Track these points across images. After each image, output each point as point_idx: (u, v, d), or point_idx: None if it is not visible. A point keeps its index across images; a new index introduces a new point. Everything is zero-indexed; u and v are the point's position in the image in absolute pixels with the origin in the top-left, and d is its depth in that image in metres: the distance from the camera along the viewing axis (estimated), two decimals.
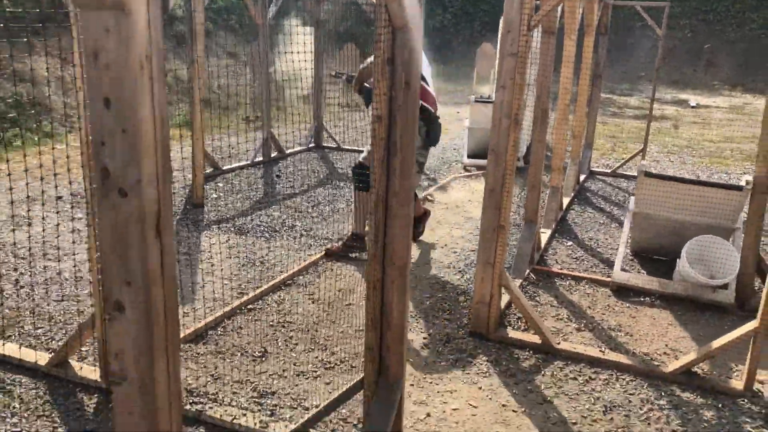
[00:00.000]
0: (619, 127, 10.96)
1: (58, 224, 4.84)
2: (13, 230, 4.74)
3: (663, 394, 3.13)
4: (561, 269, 4.61)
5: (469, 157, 7.62)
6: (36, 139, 7.80)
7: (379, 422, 2.36)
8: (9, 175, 4.06)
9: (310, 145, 8.35)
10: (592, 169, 7.65)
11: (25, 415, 2.78)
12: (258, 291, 3.98)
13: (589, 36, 6.23)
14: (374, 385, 2.42)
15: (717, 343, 3.17)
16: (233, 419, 2.74)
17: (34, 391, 2.94)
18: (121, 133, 1.02)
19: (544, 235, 5.14)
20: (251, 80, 9.75)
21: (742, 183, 4.11)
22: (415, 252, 4.78)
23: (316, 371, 3.19)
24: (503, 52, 3.32)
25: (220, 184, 6.48)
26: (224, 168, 6.89)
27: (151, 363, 1.12)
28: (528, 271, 4.44)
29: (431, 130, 4.39)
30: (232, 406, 2.86)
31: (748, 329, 3.10)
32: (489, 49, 10.03)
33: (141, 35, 0.99)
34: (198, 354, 3.31)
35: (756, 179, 3.90)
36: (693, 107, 14.41)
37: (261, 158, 7.50)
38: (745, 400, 3.09)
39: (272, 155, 7.67)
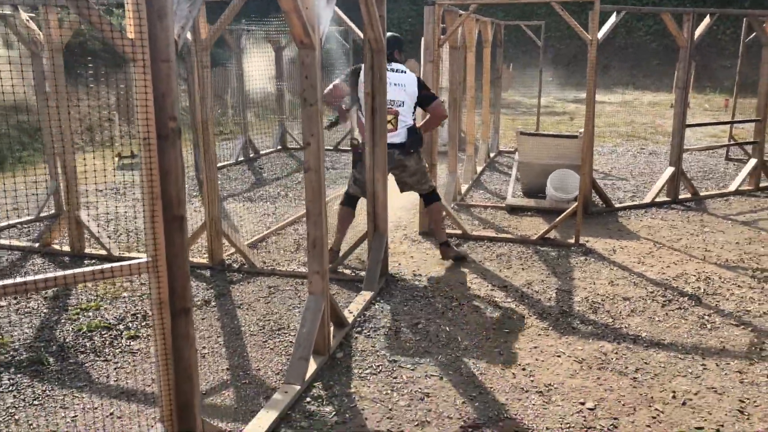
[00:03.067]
0: (526, 122, 13.93)
1: (107, 207, 7.15)
2: (95, 207, 7.02)
3: (530, 248, 5.79)
4: (474, 203, 7.28)
5: None
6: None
7: (376, 250, 4.89)
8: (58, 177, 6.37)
9: (278, 147, 10.83)
10: (501, 149, 10.45)
11: None
12: (282, 223, 6.44)
13: (487, 49, 9.02)
14: (372, 233, 4.95)
15: (558, 218, 5.88)
16: (293, 270, 5.19)
17: None
18: (311, 88, 3.52)
19: (464, 186, 7.80)
20: (222, 98, 12.15)
21: (577, 133, 6.88)
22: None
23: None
24: (426, 61, 5.95)
25: (218, 175, 8.85)
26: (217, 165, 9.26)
27: (319, 162, 3.61)
28: (452, 204, 7.06)
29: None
30: (288, 269, 5.31)
31: (572, 208, 5.81)
32: (413, 64, 12.80)
33: (317, 55, 3.49)
34: (258, 251, 5.74)
35: (585, 130, 6.66)
36: None
37: (242, 158, 9.92)
38: (575, 248, 5.78)
39: (250, 155, 10.10)
